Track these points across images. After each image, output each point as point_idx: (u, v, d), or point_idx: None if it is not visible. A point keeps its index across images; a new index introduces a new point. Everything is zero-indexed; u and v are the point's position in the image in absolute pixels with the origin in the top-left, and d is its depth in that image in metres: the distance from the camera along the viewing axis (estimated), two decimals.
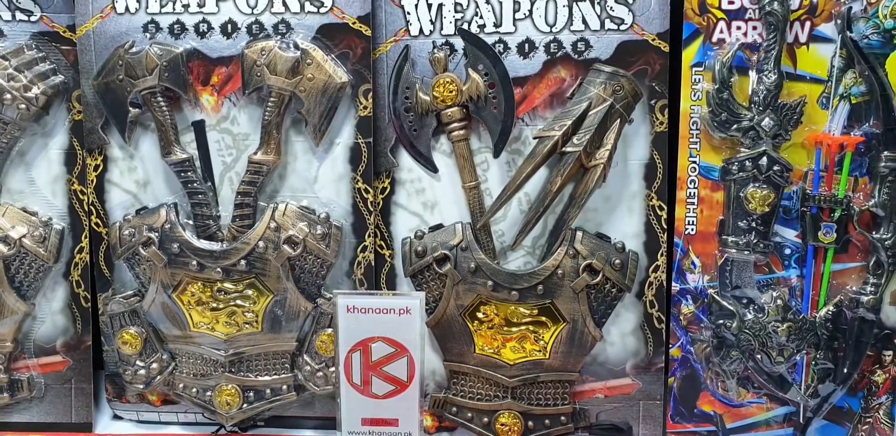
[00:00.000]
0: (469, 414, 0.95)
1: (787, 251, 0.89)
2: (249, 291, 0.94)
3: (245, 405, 0.96)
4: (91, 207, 0.96)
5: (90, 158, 0.95)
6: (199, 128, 0.93)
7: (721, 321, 0.90)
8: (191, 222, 0.94)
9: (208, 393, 0.97)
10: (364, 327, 0.90)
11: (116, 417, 1.03)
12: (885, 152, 0.85)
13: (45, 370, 0.99)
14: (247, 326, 0.95)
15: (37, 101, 0.93)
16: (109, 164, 0.95)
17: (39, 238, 0.96)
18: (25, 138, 0.95)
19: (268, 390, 0.97)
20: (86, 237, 0.97)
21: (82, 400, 0.99)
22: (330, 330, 0.95)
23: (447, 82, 0.90)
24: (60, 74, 0.94)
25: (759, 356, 0.89)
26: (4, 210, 0.96)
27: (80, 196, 0.97)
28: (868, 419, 0.91)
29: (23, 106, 0.92)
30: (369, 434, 0.94)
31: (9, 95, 0.91)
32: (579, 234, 0.91)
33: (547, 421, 0.94)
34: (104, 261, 0.97)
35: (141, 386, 0.98)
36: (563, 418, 0.95)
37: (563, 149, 0.87)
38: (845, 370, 0.89)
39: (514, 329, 0.92)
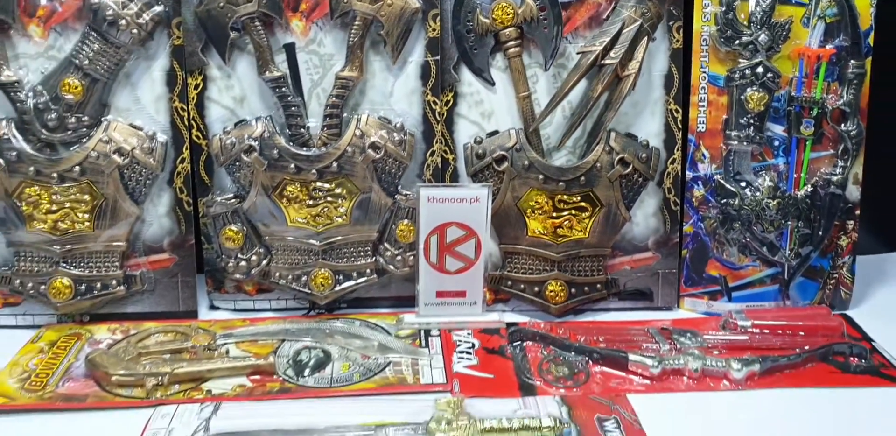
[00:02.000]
0: (522, 286, 1.15)
1: (776, 143, 1.12)
2: (339, 190, 1.11)
3: (336, 287, 1.14)
4: (192, 122, 1.11)
5: (191, 78, 1.09)
6: (291, 50, 1.08)
7: (725, 200, 1.13)
8: (286, 132, 1.09)
9: (303, 278, 1.14)
10: (441, 214, 1.08)
11: (214, 307, 1.19)
12: (852, 61, 1.08)
13: (154, 267, 1.14)
14: (337, 219, 1.12)
15: (146, 26, 1.05)
16: (208, 83, 1.10)
17: (148, 150, 1.10)
18: (131, 61, 1.08)
19: (355, 273, 1.14)
20: (187, 149, 1.11)
21: (188, 292, 1.15)
22: (407, 221, 1.13)
23: (505, 6, 1.07)
24: (161, 4, 1.07)
25: (755, 227, 1.12)
26: (115, 126, 1.09)
27: (181, 112, 1.10)
28: (835, 275, 1.16)
29: (135, 31, 1.05)
30: (442, 305, 1.13)
31: (123, 21, 1.04)
32: (613, 133, 1.11)
33: (586, 288, 1.15)
34: (204, 169, 1.12)
35: (242, 276, 1.14)
36: (598, 285, 1.16)
37: (602, 62, 1.07)
38: (820, 234, 1.12)
39: (560, 214, 1.12)
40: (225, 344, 1.08)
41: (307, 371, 1.02)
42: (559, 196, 1.12)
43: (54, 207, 1.08)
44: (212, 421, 0.91)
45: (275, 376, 1.00)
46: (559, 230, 1.13)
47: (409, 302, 1.15)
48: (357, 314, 1.17)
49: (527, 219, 1.13)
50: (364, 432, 0.89)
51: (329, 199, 1.11)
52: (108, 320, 1.14)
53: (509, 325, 1.13)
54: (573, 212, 1.13)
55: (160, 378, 0.97)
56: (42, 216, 1.08)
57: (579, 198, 1.12)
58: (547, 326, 1.12)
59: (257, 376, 1.00)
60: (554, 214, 1.12)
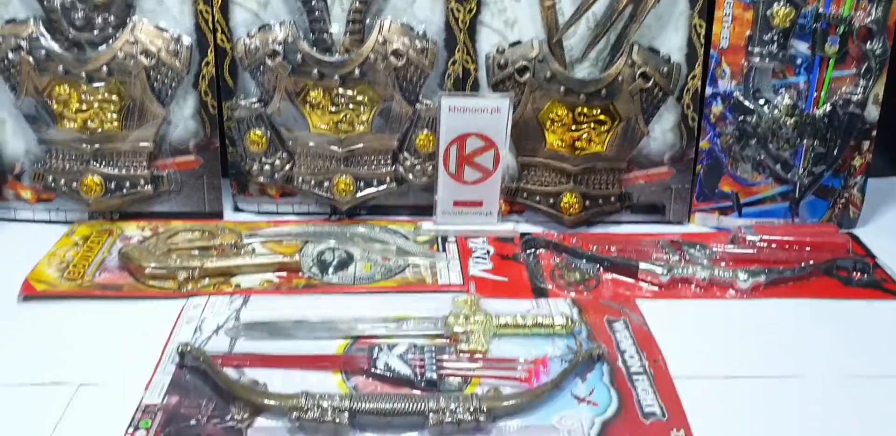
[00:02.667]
0: (537, 197, 1.18)
1: (798, 61, 1.12)
2: (361, 97, 1.12)
3: (357, 193, 1.17)
4: (216, 25, 1.11)
5: None
6: None
7: (743, 118, 1.14)
8: (310, 37, 1.10)
9: (325, 184, 1.17)
10: (461, 124, 1.10)
11: (238, 209, 1.23)
12: None
13: (180, 168, 1.17)
14: (359, 127, 1.14)
15: None
16: None
17: (173, 52, 1.11)
18: None
19: (375, 181, 1.18)
20: (211, 52, 1.12)
21: (213, 193, 1.18)
22: (427, 131, 1.15)
23: None
24: None
25: (770, 145, 1.14)
26: (141, 27, 1.10)
27: (205, 15, 1.11)
28: (845, 195, 1.18)
29: None
30: (459, 214, 1.17)
31: None
32: (636, 47, 1.11)
33: (600, 201, 1.18)
34: (228, 73, 1.14)
35: (266, 180, 1.17)
36: (612, 198, 1.19)
37: None
38: (834, 154, 1.14)
39: (580, 127, 1.14)
40: (251, 243, 1.12)
41: (331, 270, 1.06)
42: (579, 109, 1.13)
43: (84, 107, 1.11)
44: (242, 312, 0.97)
45: (300, 274, 1.05)
46: (577, 143, 1.15)
47: (426, 211, 1.19)
48: (377, 221, 1.20)
49: (546, 131, 1.15)
50: (386, 323, 0.94)
51: (351, 106, 1.13)
52: (136, 218, 1.18)
53: (523, 234, 1.17)
54: (592, 125, 1.14)
55: (191, 272, 1.02)
56: (72, 115, 1.11)
57: (599, 111, 1.13)
58: (560, 236, 1.16)
59: (283, 273, 1.05)
60: (573, 128, 1.14)
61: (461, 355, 0.88)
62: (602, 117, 1.14)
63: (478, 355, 0.88)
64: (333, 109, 1.12)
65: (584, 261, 1.09)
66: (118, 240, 1.13)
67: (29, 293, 0.99)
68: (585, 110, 1.13)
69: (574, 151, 1.15)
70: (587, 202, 1.18)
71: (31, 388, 0.84)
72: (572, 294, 1.02)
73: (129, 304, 0.99)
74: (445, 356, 0.88)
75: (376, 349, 0.88)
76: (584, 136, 1.15)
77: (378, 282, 1.04)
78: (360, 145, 1.15)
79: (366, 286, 1.03)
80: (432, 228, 1.17)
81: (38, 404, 0.81)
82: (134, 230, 1.16)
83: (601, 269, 1.08)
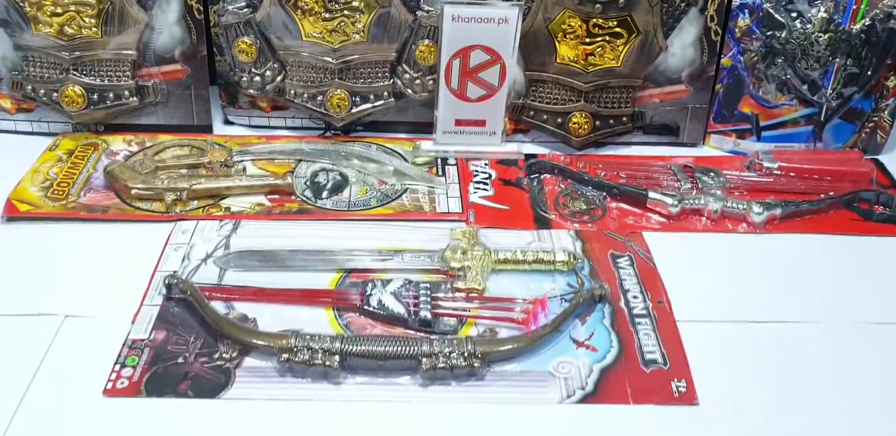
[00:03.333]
0: (544, 116, 1.11)
1: None
2: (357, 2, 1.03)
3: (353, 108, 1.10)
4: None
5: None
6: None
7: (771, 32, 1.05)
8: None
9: (319, 98, 1.10)
10: (465, 36, 1.01)
11: (228, 122, 1.17)
12: None
13: (166, 78, 1.09)
14: (354, 35, 1.05)
15: None
16: None
17: None
18: None
19: (372, 96, 1.10)
20: None
21: (202, 105, 1.12)
22: (428, 41, 1.06)
23: None
24: None
25: (799, 63, 1.06)
26: None
27: None
28: (874, 118, 1.11)
29: None
30: (461, 133, 1.10)
31: None
32: None
33: (611, 121, 1.12)
34: None
35: (256, 91, 1.10)
36: (624, 118, 1.12)
37: None
38: (868, 73, 1.06)
39: (594, 40, 1.05)
40: (241, 161, 1.07)
41: (325, 193, 1.02)
42: (594, 20, 1.04)
43: (59, 10, 1.02)
44: (231, 238, 0.93)
45: (293, 197, 1.01)
46: (590, 58, 1.06)
47: (426, 128, 1.12)
48: (374, 138, 1.14)
49: (557, 44, 1.06)
50: (381, 256, 0.90)
51: (346, 12, 1.04)
52: (122, 131, 1.12)
53: (528, 157, 1.11)
54: (607, 38, 1.05)
55: (179, 193, 0.98)
56: (47, 19, 1.02)
57: (616, 23, 1.04)
58: (567, 159, 1.10)
59: (276, 196, 1.01)
60: (587, 40, 1.05)
61: (457, 293, 0.85)
62: (618, 30, 1.05)
63: (474, 294, 0.85)
64: (327, 15, 1.03)
65: (591, 188, 1.04)
66: (103, 155, 1.08)
67: (12, 215, 0.95)
68: (601, 21, 1.04)
69: (587, 67, 1.07)
70: (597, 122, 1.11)
71: (15, 319, 0.82)
72: (576, 226, 0.98)
73: (115, 227, 0.95)
74: (441, 294, 0.85)
75: (370, 285, 0.85)
76: (598, 50, 1.06)
77: (374, 208, 0.99)
78: (356, 57, 1.07)
79: (361, 213, 0.98)
80: (432, 149, 1.11)
81: (24, 337, 0.79)
82: (120, 144, 1.10)
83: (608, 197, 1.03)
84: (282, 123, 1.16)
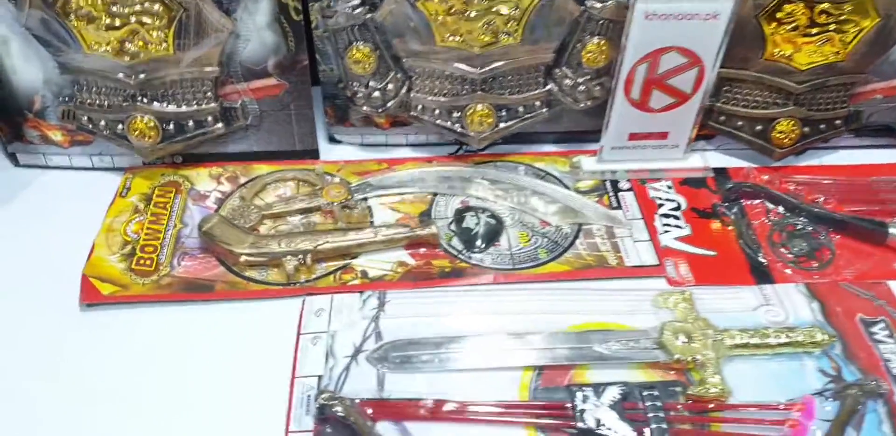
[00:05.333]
0: (739, 122, 0.88)
1: None
2: None
3: (498, 125, 0.87)
4: None
5: None
6: None
7: None
8: None
9: (455, 114, 0.86)
10: (659, 36, 0.78)
11: (334, 140, 0.94)
12: None
13: (258, 96, 0.86)
14: (505, 36, 0.81)
15: None
16: None
17: None
18: None
19: (520, 108, 0.87)
20: None
21: (305, 126, 0.89)
22: (598, 39, 0.82)
23: None
24: None
25: None
26: None
27: None
28: None
29: None
30: (632, 148, 0.88)
31: None
32: None
33: (822, 126, 0.88)
34: None
35: (373, 109, 0.87)
36: (837, 122, 0.89)
37: None
38: None
39: (823, 30, 0.81)
40: (364, 198, 0.85)
41: (479, 242, 0.80)
42: (821, 6, 0.79)
43: (117, 22, 0.78)
44: (381, 321, 0.73)
45: (439, 249, 0.80)
46: (809, 53, 0.82)
47: (580, 137, 0.90)
48: (517, 155, 0.92)
49: (767, 36, 0.82)
50: (578, 344, 0.70)
51: (497, 9, 0.79)
52: (206, 162, 0.90)
53: (717, 172, 0.89)
54: (833, 27, 0.81)
55: (301, 257, 0.77)
56: (101, 34, 0.78)
57: (851, 7, 0.79)
58: (769, 176, 0.87)
59: (422, 250, 0.80)
60: (810, 31, 0.81)
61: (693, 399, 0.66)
62: (850, 17, 0.80)
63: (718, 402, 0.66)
64: (473, 14, 0.79)
65: (806, 218, 0.82)
66: (189, 198, 0.86)
67: (93, 301, 0.75)
68: (830, 7, 0.79)
69: (804, 64, 0.83)
70: (806, 129, 0.87)
71: None
72: (808, 278, 0.77)
73: (225, 309, 0.75)
74: (671, 401, 0.66)
75: (579, 396, 0.65)
76: (822, 42, 0.81)
77: (545, 264, 0.78)
78: (504, 62, 0.83)
79: (531, 272, 0.77)
80: (596, 168, 0.88)
81: None
82: (206, 182, 0.88)
83: (831, 229, 0.81)
84: (402, 141, 0.93)
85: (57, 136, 0.88)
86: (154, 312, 0.74)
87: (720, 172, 0.89)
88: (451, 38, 0.81)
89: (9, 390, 0.67)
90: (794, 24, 0.80)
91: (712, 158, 0.91)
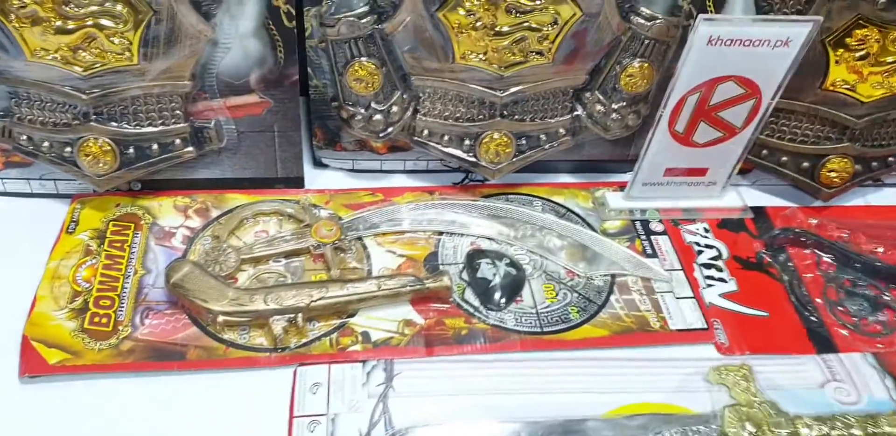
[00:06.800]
0: (783, 158, 0.79)
1: None
2: (552, 6, 0.66)
3: (517, 156, 0.75)
4: None
5: None
6: None
7: None
8: None
9: (467, 142, 0.74)
10: (719, 64, 0.67)
11: (320, 164, 0.80)
12: None
13: (236, 114, 0.72)
14: (536, 56, 0.69)
15: None
16: None
17: None
18: None
19: (542, 135, 0.75)
20: None
21: (289, 151, 0.75)
22: (640, 61, 0.71)
23: None
24: None
25: None
26: None
27: None
28: None
29: None
30: (665, 185, 0.77)
31: None
32: None
33: (875, 163, 0.79)
34: None
35: (374, 135, 0.74)
36: (890, 158, 0.80)
37: None
38: None
39: (891, 59, 0.71)
40: (358, 237, 0.73)
41: (498, 297, 0.69)
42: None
43: (70, 25, 0.63)
44: (390, 401, 0.61)
45: (450, 302, 0.68)
46: (875, 85, 0.72)
47: (598, 167, 0.80)
48: (530, 186, 0.80)
49: (831, 62, 0.72)
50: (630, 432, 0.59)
51: (530, 24, 0.67)
52: (169, 190, 0.76)
53: (756, 213, 0.79)
54: None
55: (292, 318, 0.64)
56: (50, 38, 0.63)
57: None
58: (820, 221, 0.78)
59: (432, 305, 0.68)
60: (882, 59, 0.71)
61: None
62: None
63: None
64: (505, 28, 0.66)
65: (862, 272, 0.73)
66: (151, 236, 0.72)
67: (37, 372, 0.60)
68: None
69: (867, 96, 0.73)
70: (857, 166, 0.78)
71: None
72: (869, 349, 0.68)
73: (199, 381, 0.62)
74: None
75: None
76: (891, 73, 0.72)
77: (579, 327, 0.67)
78: (531, 85, 0.71)
79: (563, 337, 0.66)
80: (624, 206, 0.78)
81: None
82: (171, 215, 0.74)
83: (892, 284, 0.73)
84: (399, 166, 0.80)
85: None
86: (112, 384, 0.61)
87: (759, 213, 0.79)
88: (472, 56, 0.68)
89: None
90: (863, 52, 0.70)
91: (747, 195, 0.81)
